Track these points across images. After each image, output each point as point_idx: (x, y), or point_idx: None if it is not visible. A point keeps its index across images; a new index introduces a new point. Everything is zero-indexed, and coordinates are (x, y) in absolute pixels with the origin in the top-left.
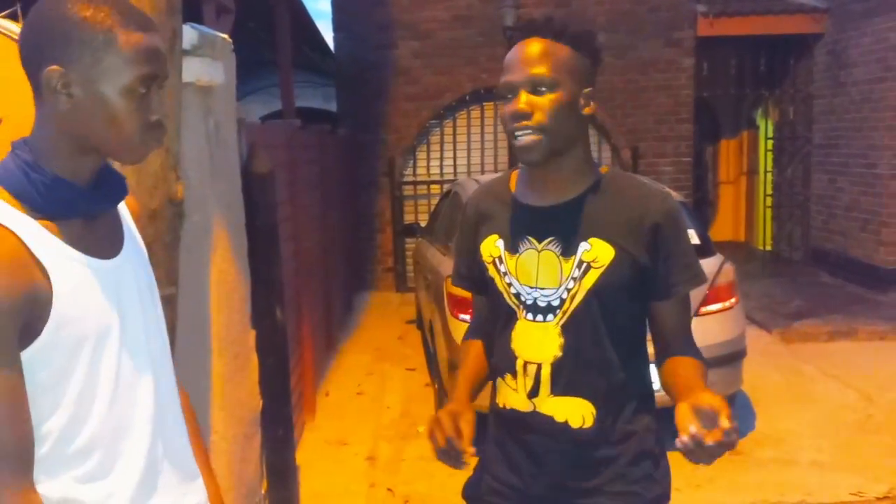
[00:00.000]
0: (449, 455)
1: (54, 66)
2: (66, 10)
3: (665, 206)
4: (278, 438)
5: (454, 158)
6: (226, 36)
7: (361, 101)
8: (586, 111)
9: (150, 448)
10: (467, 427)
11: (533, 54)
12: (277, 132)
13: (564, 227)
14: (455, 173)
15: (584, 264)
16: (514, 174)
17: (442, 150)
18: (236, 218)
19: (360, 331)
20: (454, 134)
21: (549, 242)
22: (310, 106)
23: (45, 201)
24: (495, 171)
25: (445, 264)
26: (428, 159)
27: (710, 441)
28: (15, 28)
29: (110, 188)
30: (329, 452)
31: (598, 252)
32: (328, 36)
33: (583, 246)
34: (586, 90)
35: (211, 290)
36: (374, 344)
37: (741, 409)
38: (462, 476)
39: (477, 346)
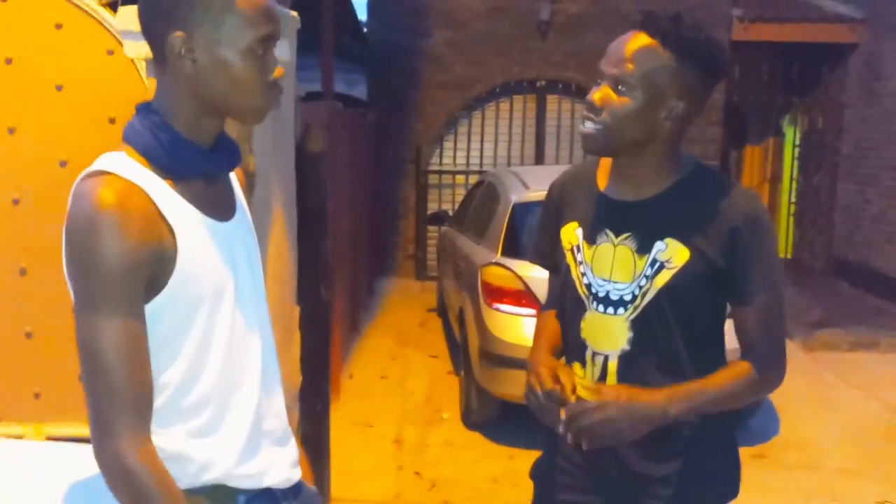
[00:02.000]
0: (548, 412)
1: (178, 32)
2: None
3: (748, 209)
4: (316, 414)
5: (481, 149)
6: (294, 13)
7: (392, 87)
8: (666, 123)
9: (257, 406)
10: (566, 376)
11: (628, 51)
12: (321, 113)
13: (641, 224)
14: (481, 164)
15: (658, 263)
16: (605, 160)
17: (469, 141)
18: (290, 194)
19: (381, 316)
20: (482, 125)
21: (626, 238)
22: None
23: (172, 160)
24: (521, 163)
25: (479, 253)
26: (455, 149)
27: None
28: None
29: (228, 152)
30: (355, 433)
31: (672, 252)
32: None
33: (658, 245)
34: (675, 102)
35: (268, 263)
36: (396, 329)
37: (766, 413)
38: (483, 463)
39: (553, 316)
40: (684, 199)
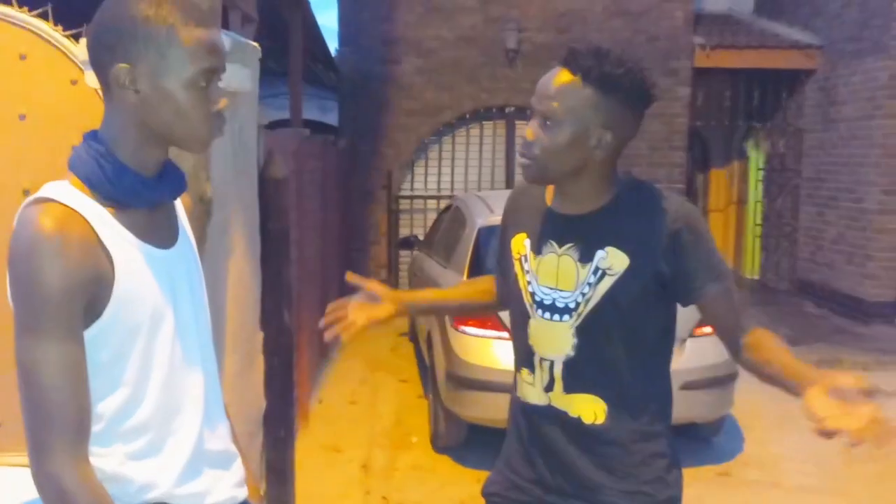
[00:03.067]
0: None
1: (122, 64)
2: (129, 8)
3: (682, 211)
4: (279, 439)
5: (452, 175)
6: (256, 44)
7: (362, 114)
8: (596, 151)
9: (198, 430)
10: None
11: (553, 87)
12: (287, 140)
13: (584, 235)
14: (452, 189)
15: (600, 271)
16: None
17: (440, 166)
18: (252, 220)
19: (353, 341)
20: (453, 150)
21: (569, 248)
22: (305, 117)
23: (114, 189)
24: (492, 188)
25: (446, 276)
26: (426, 174)
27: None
28: (39, 24)
29: (172, 181)
30: (323, 458)
31: (613, 260)
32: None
33: (599, 254)
34: (603, 133)
35: (228, 289)
36: (366, 354)
37: (730, 431)
38: (450, 488)
39: (477, 280)
40: (623, 210)
